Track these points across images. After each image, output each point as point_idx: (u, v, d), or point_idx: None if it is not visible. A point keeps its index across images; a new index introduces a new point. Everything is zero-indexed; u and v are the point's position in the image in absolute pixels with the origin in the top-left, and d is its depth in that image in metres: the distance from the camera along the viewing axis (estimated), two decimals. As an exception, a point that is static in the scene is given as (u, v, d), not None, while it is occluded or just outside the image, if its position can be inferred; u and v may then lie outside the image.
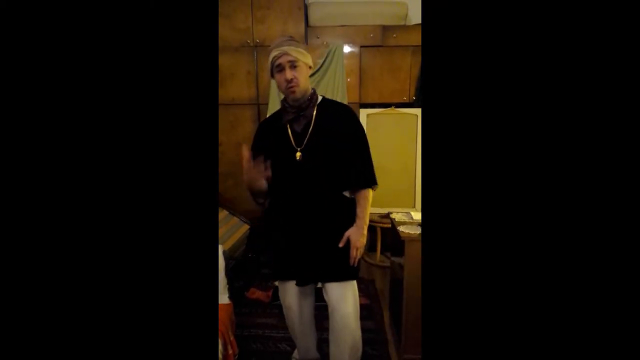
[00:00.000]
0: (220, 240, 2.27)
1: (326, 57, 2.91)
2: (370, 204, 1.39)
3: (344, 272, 1.40)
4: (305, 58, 1.31)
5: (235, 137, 3.16)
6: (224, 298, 1.71)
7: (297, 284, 1.44)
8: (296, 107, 1.34)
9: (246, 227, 2.85)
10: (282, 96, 1.39)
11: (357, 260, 1.37)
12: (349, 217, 1.39)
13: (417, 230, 1.73)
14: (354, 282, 1.44)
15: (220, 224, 2.60)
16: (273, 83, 3.00)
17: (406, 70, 2.93)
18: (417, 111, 2.88)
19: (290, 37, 1.34)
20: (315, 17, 2.97)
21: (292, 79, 1.28)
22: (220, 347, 1.51)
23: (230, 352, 1.60)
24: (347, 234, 1.36)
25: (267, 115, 3.13)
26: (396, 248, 1.93)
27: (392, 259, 2.15)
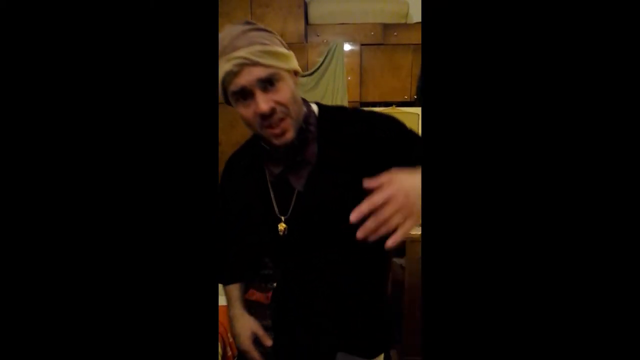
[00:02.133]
0: (220, 240, 2.27)
1: (326, 56, 2.90)
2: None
3: (376, 344, 0.90)
4: (287, 61, 0.71)
5: (235, 137, 3.16)
6: (223, 300, 1.71)
7: None
8: (285, 150, 0.75)
9: (246, 226, 2.85)
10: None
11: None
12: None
13: (418, 231, 1.72)
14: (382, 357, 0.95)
15: (220, 223, 2.59)
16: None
17: (407, 69, 2.92)
18: (418, 110, 2.88)
19: (248, 22, 0.70)
20: (315, 14, 2.97)
21: (272, 111, 0.68)
22: (219, 348, 1.51)
23: (230, 353, 1.60)
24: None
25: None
26: (397, 249, 1.92)
27: (393, 259, 2.15)
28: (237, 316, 0.95)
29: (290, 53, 0.72)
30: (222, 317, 1.57)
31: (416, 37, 2.85)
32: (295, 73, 0.74)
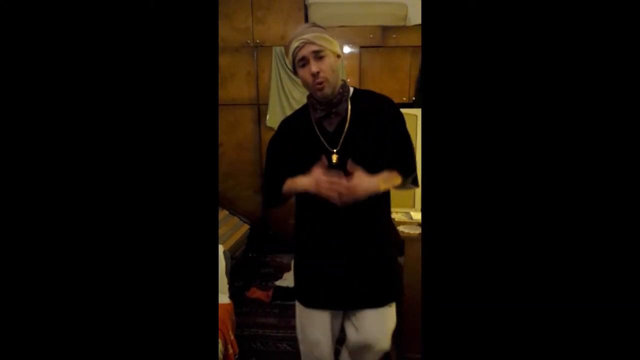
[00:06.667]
0: (220, 240, 2.27)
1: (326, 58, 2.90)
2: (393, 183, 1.16)
3: (387, 294, 1.23)
4: (332, 46, 1.11)
5: (236, 138, 3.16)
6: (224, 298, 1.71)
7: (334, 308, 1.24)
8: (325, 103, 1.16)
9: (246, 227, 2.85)
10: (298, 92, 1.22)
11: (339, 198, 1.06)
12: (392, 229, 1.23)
13: (417, 230, 1.73)
14: (394, 306, 1.27)
15: (220, 224, 2.60)
16: (273, 83, 3.00)
17: (406, 71, 2.93)
18: (417, 111, 2.88)
19: (314, 23, 1.15)
20: (315, 17, 2.97)
21: (317, 72, 1.09)
22: (220, 346, 1.51)
23: (231, 351, 1.60)
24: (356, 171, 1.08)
25: (267, 115, 3.16)
26: (396, 248, 1.92)
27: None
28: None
29: (335, 41, 1.13)
30: (222, 315, 1.58)
31: (415, 39, 2.86)
32: (338, 56, 1.15)
